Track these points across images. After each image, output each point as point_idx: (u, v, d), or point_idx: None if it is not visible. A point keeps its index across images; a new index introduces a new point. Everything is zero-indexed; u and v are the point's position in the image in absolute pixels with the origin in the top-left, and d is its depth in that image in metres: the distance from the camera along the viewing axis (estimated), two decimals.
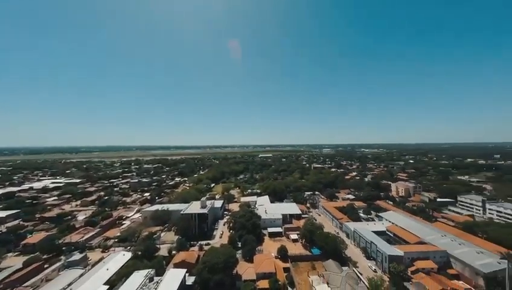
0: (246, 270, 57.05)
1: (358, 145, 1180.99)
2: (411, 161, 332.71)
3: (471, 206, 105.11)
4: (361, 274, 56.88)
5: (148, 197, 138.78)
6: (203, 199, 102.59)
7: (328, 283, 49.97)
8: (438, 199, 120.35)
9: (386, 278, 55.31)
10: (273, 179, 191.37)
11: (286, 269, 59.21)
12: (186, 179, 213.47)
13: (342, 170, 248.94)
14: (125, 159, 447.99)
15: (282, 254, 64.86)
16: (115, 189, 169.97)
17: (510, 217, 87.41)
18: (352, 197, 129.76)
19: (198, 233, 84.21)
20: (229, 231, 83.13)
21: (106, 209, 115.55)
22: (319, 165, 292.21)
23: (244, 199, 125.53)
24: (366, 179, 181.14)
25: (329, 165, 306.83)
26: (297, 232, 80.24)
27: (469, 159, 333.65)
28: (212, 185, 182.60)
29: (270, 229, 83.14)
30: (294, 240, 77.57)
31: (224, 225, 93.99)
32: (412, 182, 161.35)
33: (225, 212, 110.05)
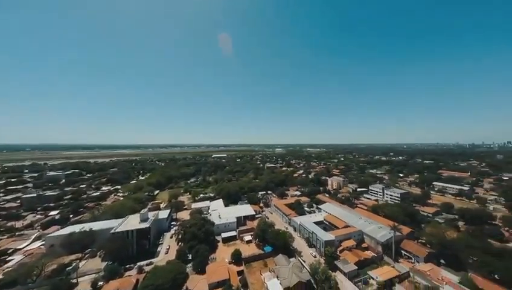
0: (197, 284, 54.87)
1: (305, 145, 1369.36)
2: (342, 159, 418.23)
3: (376, 192, 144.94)
4: (304, 261, 67.24)
5: (57, 217, 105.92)
6: (144, 210, 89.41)
7: (277, 277, 55.97)
8: (358, 189, 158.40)
9: (323, 261, 68.05)
10: (228, 180, 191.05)
11: (241, 272, 61.44)
12: (119, 187, 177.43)
13: (291, 169, 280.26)
14: (11, 165, 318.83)
15: (236, 258, 66.71)
16: None
17: (396, 198, 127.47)
18: (299, 193, 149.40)
19: (138, 252, 72.83)
20: (178, 244, 76.75)
21: None
22: (272, 165, 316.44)
23: (195, 205, 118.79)
24: (310, 176, 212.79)
25: (281, 164, 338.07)
26: (251, 233, 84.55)
27: (376, 157, 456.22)
28: (156, 192, 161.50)
29: (224, 235, 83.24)
30: (248, 241, 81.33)
31: (171, 237, 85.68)
32: (342, 176, 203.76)
33: (172, 223, 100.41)
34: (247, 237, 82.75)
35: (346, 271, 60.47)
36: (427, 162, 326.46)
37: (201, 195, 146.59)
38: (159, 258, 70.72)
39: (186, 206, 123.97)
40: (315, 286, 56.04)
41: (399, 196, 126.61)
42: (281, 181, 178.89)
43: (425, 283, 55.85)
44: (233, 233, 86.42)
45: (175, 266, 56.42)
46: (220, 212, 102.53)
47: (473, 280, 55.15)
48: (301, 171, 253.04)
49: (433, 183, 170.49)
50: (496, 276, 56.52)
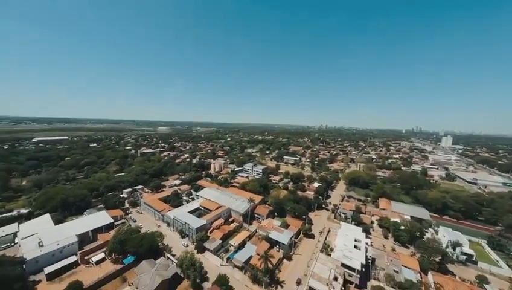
0: None
1: (195, 124, 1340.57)
2: (229, 139, 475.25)
3: (248, 170, 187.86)
4: (174, 255, 72.36)
5: None
6: None
7: (137, 288, 55.16)
8: (236, 169, 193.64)
9: (193, 247, 77.98)
10: (65, 181, 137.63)
11: None
12: None
13: (174, 153, 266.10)
14: None
15: None
16: None
17: (260, 173, 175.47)
18: (179, 182, 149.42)
19: None
20: None
21: None
22: (149, 150, 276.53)
23: None
24: (195, 161, 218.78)
25: (162, 148, 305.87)
26: (105, 249, 71.90)
27: (255, 136, 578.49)
28: None
29: (49, 269, 62.08)
30: (100, 261, 68.84)
31: None
32: (225, 158, 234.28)
33: None
34: (98, 256, 69.40)
35: (211, 248, 75.27)
36: (284, 140, 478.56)
37: None
38: None
39: None
40: (183, 275, 63.82)
41: (261, 170, 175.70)
42: (157, 171, 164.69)
43: (264, 234, 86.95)
44: (72, 259, 67.63)
45: None
46: (44, 236, 73.37)
47: (287, 220, 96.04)
48: (186, 155, 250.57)
49: (284, 157, 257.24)
50: (296, 214, 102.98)
